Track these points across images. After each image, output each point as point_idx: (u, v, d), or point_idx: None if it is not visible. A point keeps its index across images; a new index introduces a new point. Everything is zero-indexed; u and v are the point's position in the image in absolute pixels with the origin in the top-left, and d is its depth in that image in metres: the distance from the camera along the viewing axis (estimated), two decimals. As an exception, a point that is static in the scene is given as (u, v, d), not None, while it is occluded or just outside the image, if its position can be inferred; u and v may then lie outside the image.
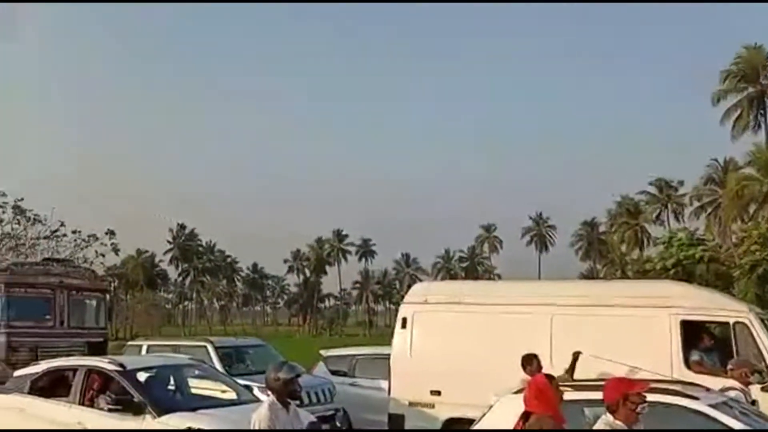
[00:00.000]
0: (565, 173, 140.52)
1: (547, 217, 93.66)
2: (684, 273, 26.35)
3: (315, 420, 5.58)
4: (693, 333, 8.14)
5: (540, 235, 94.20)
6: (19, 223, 30.83)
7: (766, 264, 17.90)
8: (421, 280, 59.45)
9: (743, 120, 43.13)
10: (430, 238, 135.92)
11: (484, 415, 6.09)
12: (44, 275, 15.79)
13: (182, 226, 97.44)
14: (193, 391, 8.51)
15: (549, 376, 4.69)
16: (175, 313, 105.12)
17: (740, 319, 7.80)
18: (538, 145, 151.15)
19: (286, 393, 4.99)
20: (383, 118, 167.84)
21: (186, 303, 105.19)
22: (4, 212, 30.42)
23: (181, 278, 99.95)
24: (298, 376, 5.10)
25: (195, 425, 6.49)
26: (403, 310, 9.71)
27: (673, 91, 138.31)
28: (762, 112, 42.75)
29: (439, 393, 8.88)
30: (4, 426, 7.75)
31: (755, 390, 6.64)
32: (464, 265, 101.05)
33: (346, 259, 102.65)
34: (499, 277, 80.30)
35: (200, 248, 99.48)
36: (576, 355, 7.54)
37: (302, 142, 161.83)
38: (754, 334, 7.65)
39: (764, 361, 7.39)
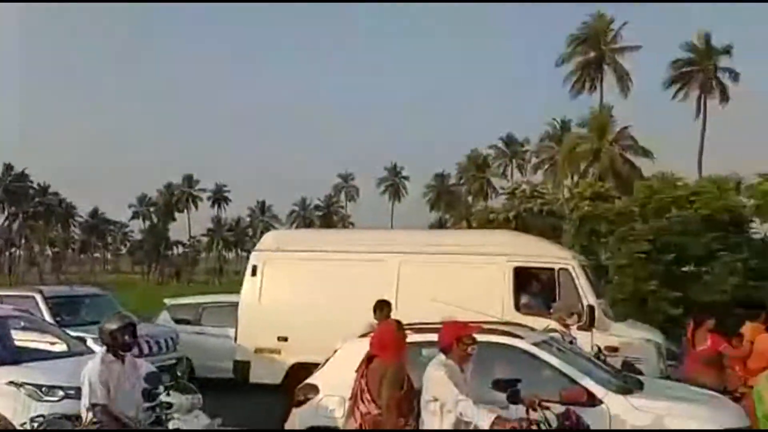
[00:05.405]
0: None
1: (401, 167, 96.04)
2: (523, 224, 28.34)
3: (155, 370, 5.35)
4: (524, 279, 8.84)
5: (394, 185, 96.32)
6: None
7: (592, 219, 19.72)
8: (275, 229, 58.81)
9: (580, 82, 46.17)
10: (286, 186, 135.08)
11: (328, 359, 6.20)
12: None
13: (9, 167, 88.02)
14: (18, 344, 7.85)
15: (397, 322, 4.84)
16: (1, 261, 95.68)
17: (564, 266, 8.59)
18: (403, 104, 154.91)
19: (119, 344, 4.78)
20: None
21: (13, 250, 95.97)
22: None
23: (7, 222, 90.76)
24: (132, 325, 4.87)
25: (18, 379, 5.99)
26: (254, 258, 9.66)
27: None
28: (599, 75, 45.61)
29: (286, 339, 8.95)
30: None
31: (573, 330, 7.34)
32: (320, 213, 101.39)
33: (196, 205, 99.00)
34: (353, 225, 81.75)
35: (31, 190, 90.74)
36: None
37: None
38: (575, 279, 8.45)
39: (581, 303, 8.20)
